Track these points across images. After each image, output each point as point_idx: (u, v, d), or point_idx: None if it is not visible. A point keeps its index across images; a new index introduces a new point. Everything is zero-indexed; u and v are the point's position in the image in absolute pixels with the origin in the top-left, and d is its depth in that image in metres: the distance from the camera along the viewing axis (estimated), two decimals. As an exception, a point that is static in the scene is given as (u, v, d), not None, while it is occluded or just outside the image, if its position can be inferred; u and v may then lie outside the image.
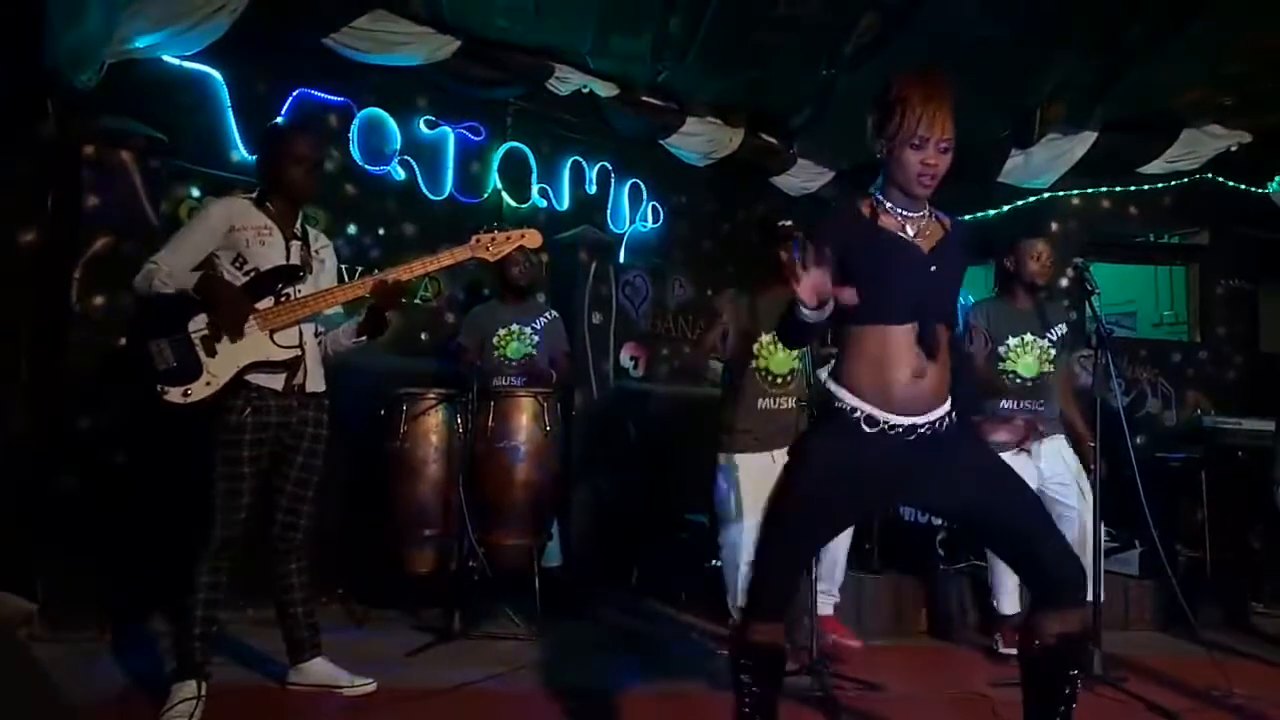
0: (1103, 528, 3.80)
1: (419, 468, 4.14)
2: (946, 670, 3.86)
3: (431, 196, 5.27)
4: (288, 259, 3.06)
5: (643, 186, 6.14)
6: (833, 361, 2.24)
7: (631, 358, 6.01)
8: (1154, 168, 6.07)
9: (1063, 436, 4.07)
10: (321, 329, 3.16)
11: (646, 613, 4.55)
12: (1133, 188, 6.25)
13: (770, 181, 6.55)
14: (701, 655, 3.88)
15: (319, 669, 3.16)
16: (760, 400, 3.73)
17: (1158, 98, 5.61)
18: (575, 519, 5.05)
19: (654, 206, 6.21)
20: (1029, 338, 4.02)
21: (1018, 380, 4.01)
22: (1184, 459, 5.48)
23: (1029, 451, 3.98)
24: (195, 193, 4.38)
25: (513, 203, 5.57)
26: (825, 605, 3.74)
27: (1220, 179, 6.19)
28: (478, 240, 3.07)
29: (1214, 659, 3.58)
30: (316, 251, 3.18)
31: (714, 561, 4.30)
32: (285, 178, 3.07)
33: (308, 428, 3.09)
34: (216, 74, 4.50)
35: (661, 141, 5.97)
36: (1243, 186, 6.26)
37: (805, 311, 2.01)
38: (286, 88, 4.77)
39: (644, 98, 5.73)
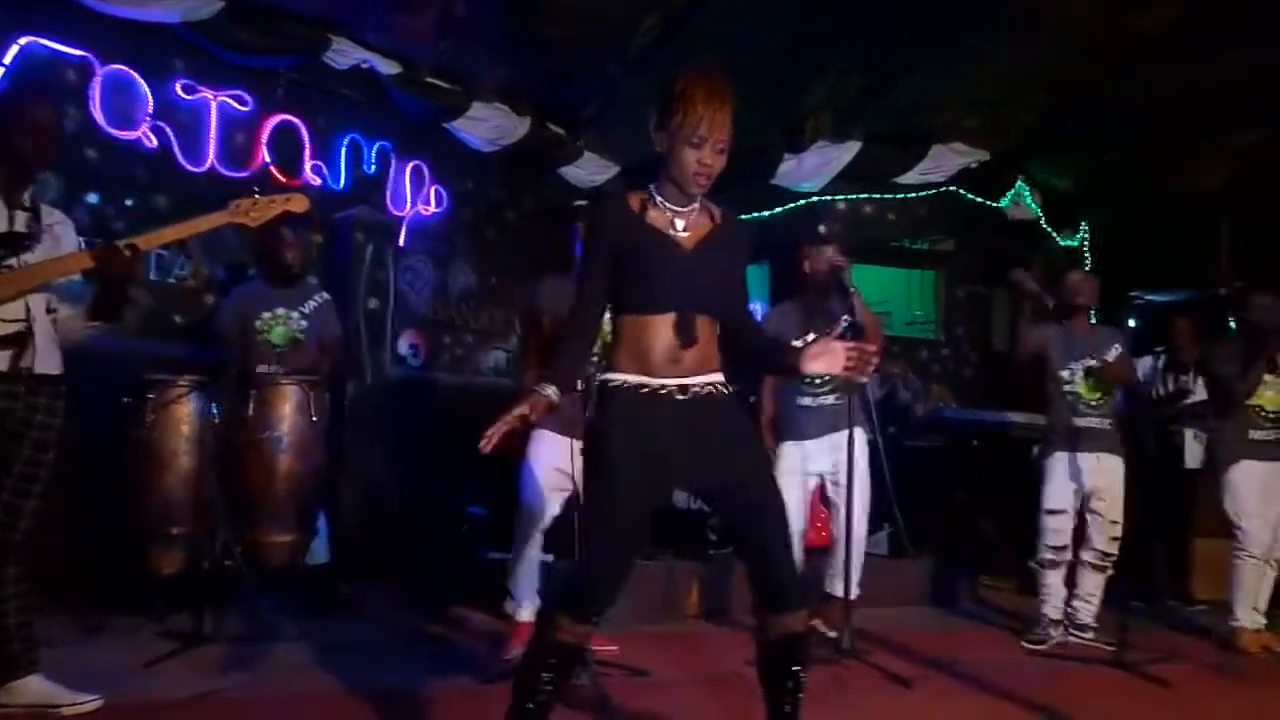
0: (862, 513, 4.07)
1: (168, 460, 3.81)
2: (712, 652, 4.00)
3: (189, 167, 4.86)
4: (11, 228, 2.73)
5: (425, 169, 5.96)
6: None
7: (411, 345, 5.84)
8: (908, 178, 6.61)
9: (862, 430, 4.12)
10: (56, 309, 2.84)
11: (420, 609, 4.43)
12: (890, 196, 6.76)
13: (557, 172, 6.56)
14: (474, 651, 3.82)
15: (33, 688, 2.83)
16: None
17: (912, 115, 6.10)
18: (345, 514, 4.83)
19: (437, 190, 6.05)
20: (811, 338, 4.18)
21: (804, 381, 4.12)
22: (928, 447, 6.01)
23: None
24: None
25: (283, 179, 5.24)
26: None
27: (963, 192, 6.82)
28: (238, 205, 2.83)
29: (944, 629, 3.96)
30: (50, 226, 2.85)
31: (493, 554, 4.25)
32: (15, 147, 2.74)
33: (36, 415, 2.77)
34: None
35: (446, 125, 5.82)
36: (981, 200, 6.92)
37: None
38: (9, 36, 4.24)
39: (428, 79, 5.56)
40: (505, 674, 3.14)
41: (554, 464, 3.59)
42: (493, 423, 2.12)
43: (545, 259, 3.93)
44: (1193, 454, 5.40)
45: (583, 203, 3.88)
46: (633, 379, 2.18)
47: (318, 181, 5.39)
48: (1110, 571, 4.24)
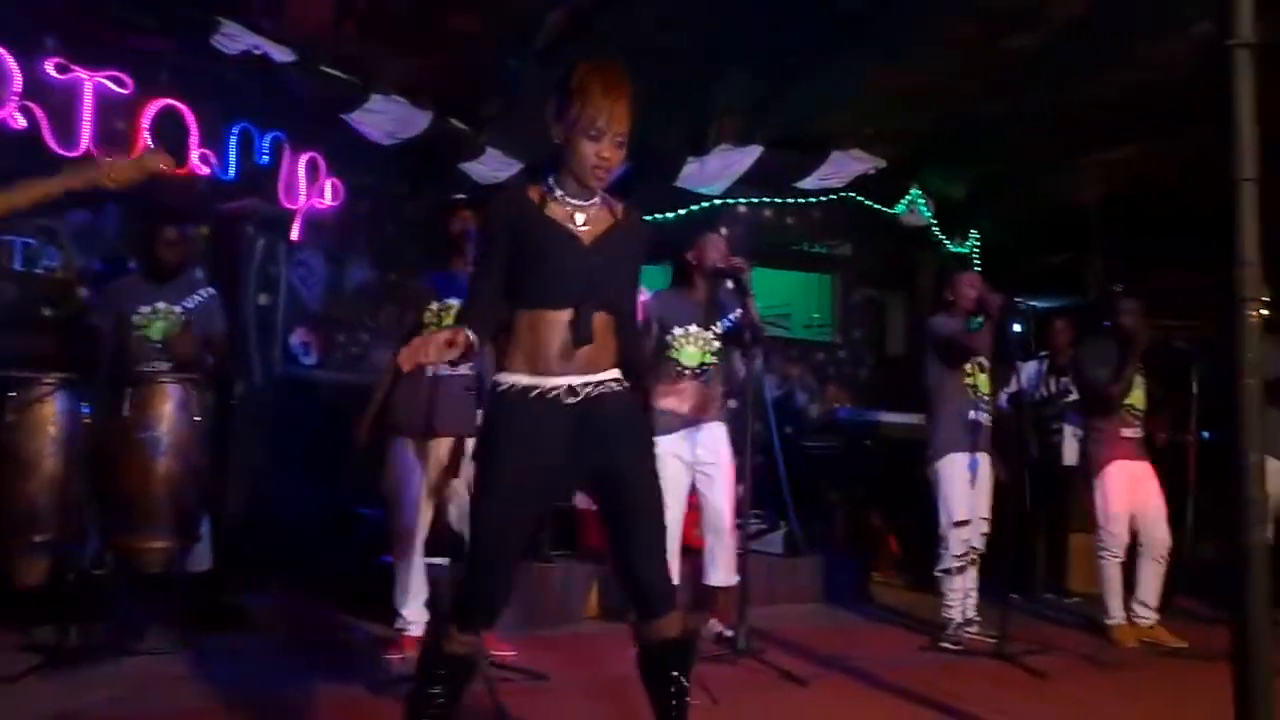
0: (750, 511, 4.12)
1: (31, 462, 3.57)
2: (612, 655, 3.95)
3: (61, 151, 4.58)
4: None
5: (321, 161, 5.77)
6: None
7: (303, 343, 5.65)
8: (807, 183, 6.72)
9: (724, 425, 4.26)
10: None
11: (310, 616, 4.28)
12: (790, 200, 6.87)
13: (459, 167, 6.43)
14: (367, 658, 3.70)
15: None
16: (433, 368, 3.64)
17: (812, 121, 6.22)
18: (230, 518, 4.62)
19: (333, 183, 5.86)
20: (694, 329, 4.19)
21: (678, 368, 4.16)
22: (823, 447, 6.13)
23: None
24: None
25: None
26: None
27: (860, 198, 6.99)
28: (97, 162, 2.64)
29: (837, 626, 4.04)
30: None
31: (386, 558, 4.13)
32: None
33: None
34: None
35: (343, 116, 5.64)
36: (877, 206, 7.10)
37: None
38: None
39: (325, 68, 5.38)
40: (397, 681, 3.07)
41: (418, 468, 3.55)
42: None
43: (446, 256, 3.84)
44: (1070, 451, 5.65)
45: (461, 196, 3.82)
46: (523, 381, 2.14)
47: (205, 170, 5.15)
48: (978, 564, 4.40)
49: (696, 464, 4.14)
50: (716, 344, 4.20)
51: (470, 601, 2.16)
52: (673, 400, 4.10)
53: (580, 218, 2.19)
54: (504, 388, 2.16)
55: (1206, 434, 5.07)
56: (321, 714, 2.97)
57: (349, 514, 4.85)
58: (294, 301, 5.48)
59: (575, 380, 2.14)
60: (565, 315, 2.14)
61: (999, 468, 4.41)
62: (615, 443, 2.19)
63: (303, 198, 5.66)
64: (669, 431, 4.05)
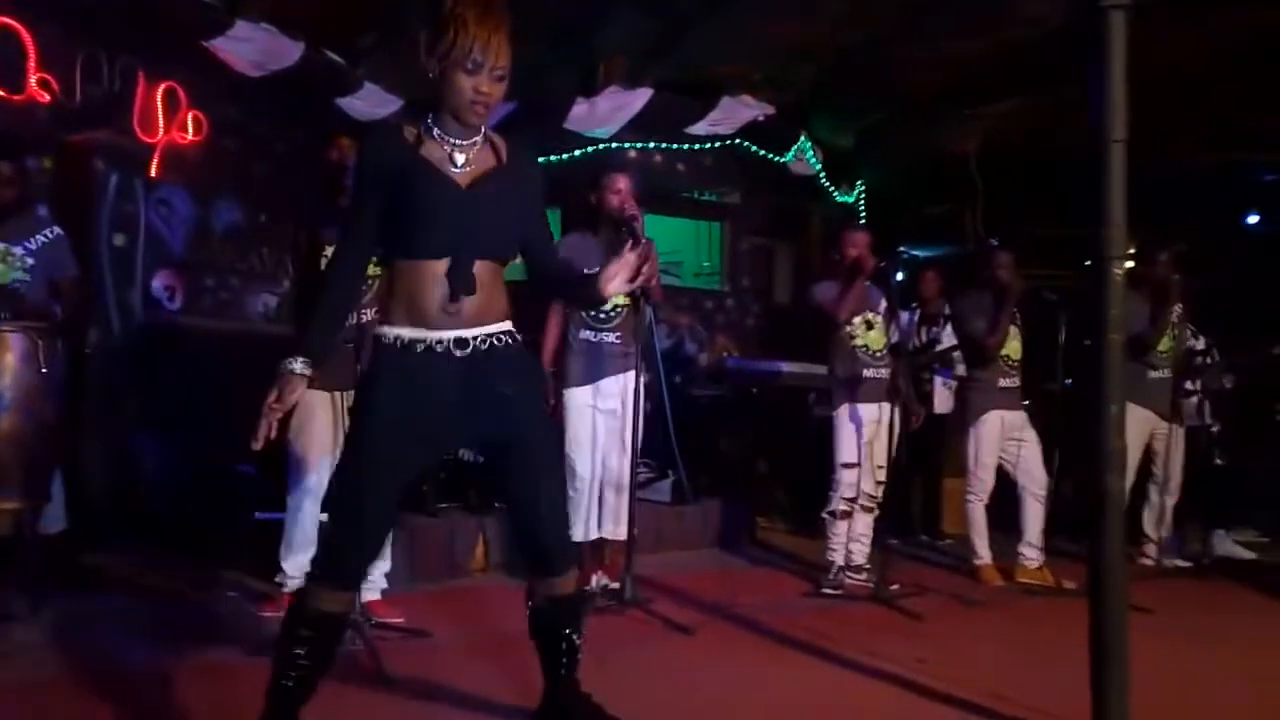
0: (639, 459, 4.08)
1: None
2: (499, 610, 3.91)
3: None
4: None
5: (181, 92, 5.36)
6: None
7: (165, 287, 5.30)
8: (698, 129, 6.67)
9: (629, 376, 4.05)
10: None
11: (181, 577, 4.06)
12: (680, 147, 6.81)
13: (336, 103, 6.10)
14: (239, 621, 3.55)
15: None
16: None
17: (703, 66, 6.14)
18: (88, 475, 4.34)
19: (195, 116, 5.46)
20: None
21: (590, 312, 4.01)
22: (711, 396, 6.18)
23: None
24: None
25: (1, 92, 4.54)
26: (374, 591, 3.53)
27: (750, 146, 6.97)
28: None
29: (723, 573, 4.11)
30: None
31: (264, 515, 3.96)
32: None
33: None
34: None
35: (205, 43, 5.24)
36: (766, 155, 7.11)
37: None
38: None
39: (183, -11, 4.98)
40: (268, 645, 2.94)
41: (318, 422, 3.40)
42: (267, 373, 1.95)
43: (322, 196, 3.63)
44: (941, 400, 5.86)
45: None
46: (406, 333, 2.03)
47: (46, 98, 4.70)
48: (877, 512, 4.52)
49: (604, 415, 4.08)
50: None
51: (337, 558, 2.07)
52: (575, 355, 4.02)
53: (460, 158, 2.06)
54: (387, 340, 2.05)
55: (1069, 381, 5.32)
56: (191, 679, 2.82)
57: (224, 470, 4.62)
58: (155, 243, 5.12)
59: (464, 333, 2.05)
60: (442, 265, 2.02)
61: (898, 418, 4.48)
62: (506, 399, 2.10)
63: (161, 131, 5.26)
64: (579, 383, 4.00)
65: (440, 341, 2.03)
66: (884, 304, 4.48)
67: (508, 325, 2.13)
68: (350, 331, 3.32)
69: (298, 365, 1.97)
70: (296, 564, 3.51)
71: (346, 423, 3.42)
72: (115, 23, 4.93)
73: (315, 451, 3.43)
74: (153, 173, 5.14)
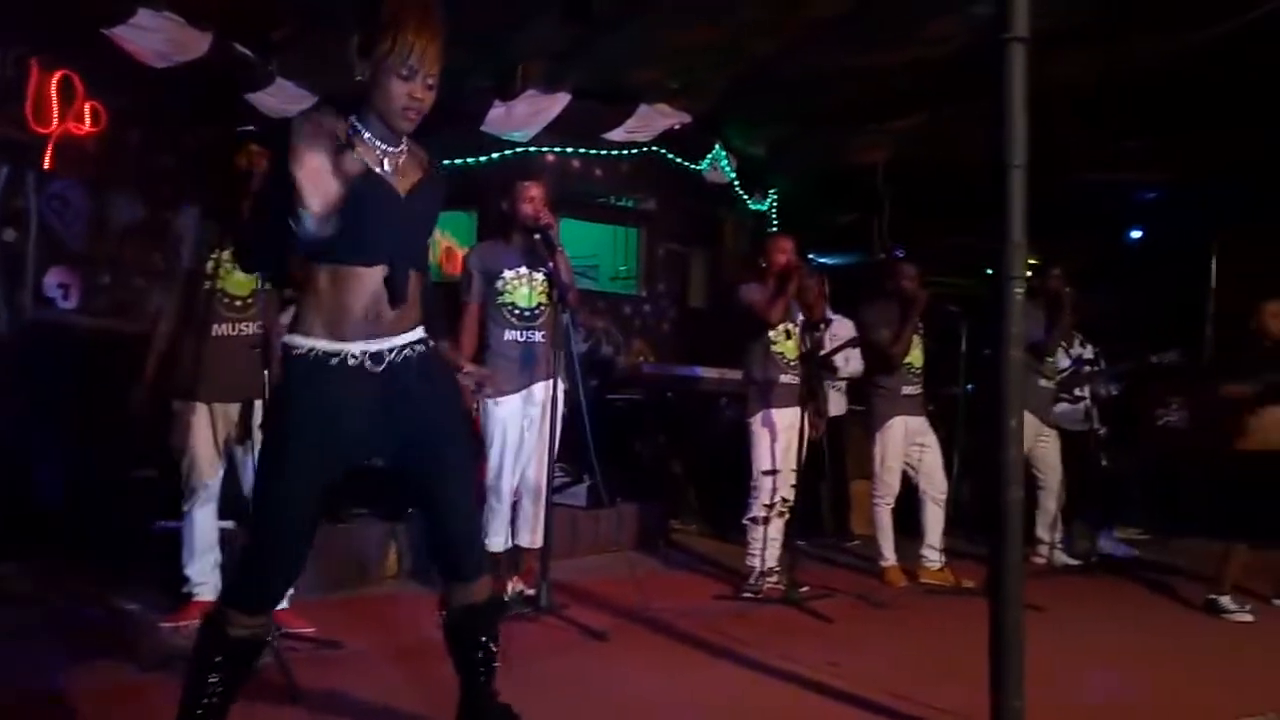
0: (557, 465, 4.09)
1: None
2: (413, 618, 3.86)
3: None
4: None
5: (78, 81, 5.13)
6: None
7: (60, 285, 5.07)
8: (616, 135, 6.70)
9: (550, 384, 3.99)
10: None
11: (74, 589, 3.90)
12: (598, 152, 6.84)
13: (246, 98, 5.92)
14: (140, 631, 3.43)
15: None
16: (216, 327, 3.38)
17: (620, 72, 6.18)
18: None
19: (94, 107, 5.24)
20: (523, 270, 4.04)
21: (516, 310, 4.03)
22: (627, 400, 6.23)
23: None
24: None
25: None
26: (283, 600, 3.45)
27: (666, 153, 7.05)
28: None
29: (637, 577, 4.15)
30: None
31: (166, 523, 3.83)
32: None
33: None
34: None
35: (105, 31, 5.03)
36: (682, 162, 7.20)
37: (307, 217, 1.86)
38: None
39: (81, -25, 4.77)
40: (172, 658, 2.86)
41: (199, 434, 3.38)
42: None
43: (228, 194, 3.52)
44: (835, 404, 6.02)
45: (249, 128, 3.55)
46: (322, 345, 1.98)
47: (-70, 86, 4.47)
48: (788, 516, 4.63)
49: (526, 424, 4.06)
50: (548, 283, 4.03)
51: (256, 581, 2.03)
52: (503, 360, 4.00)
53: (388, 165, 2.04)
54: (300, 352, 1.99)
55: (970, 387, 5.53)
56: (90, 697, 2.71)
57: (122, 476, 4.45)
58: (48, 238, 4.89)
59: (381, 345, 2.02)
60: (377, 272, 2.00)
61: (811, 423, 4.58)
62: (423, 408, 2.09)
63: (56, 121, 5.03)
64: (512, 390, 3.97)
65: (355, 355, 2.00)
66: (801, 316, 4.58)
67: (421, 333, 2.12)
68: (257, 338, 3.27)
69: None
70: (200, 569, 3.45)
71: (235, 433, 3.41)
72: (7, 7, 4.70)
73: (202, 461, 3.41)
74: (46, 165, 4.91)
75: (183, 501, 3.45)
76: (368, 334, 2.01)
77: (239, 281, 3.39)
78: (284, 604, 3.44)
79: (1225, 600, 4.50)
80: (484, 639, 2.22)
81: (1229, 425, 4.65)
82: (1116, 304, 7.15)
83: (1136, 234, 8.77)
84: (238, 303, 3.42)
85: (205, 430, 3.40)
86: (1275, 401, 4.52)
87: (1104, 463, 6.04)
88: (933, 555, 4.96)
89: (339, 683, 2.93)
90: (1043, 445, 5.37)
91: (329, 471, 2.03)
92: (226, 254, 3.35)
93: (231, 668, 2.00)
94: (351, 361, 2.00)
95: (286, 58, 5.75)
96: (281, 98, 6.00)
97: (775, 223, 8.14)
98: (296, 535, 2.01)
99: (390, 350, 2.04)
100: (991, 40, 2.57)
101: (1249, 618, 4.44)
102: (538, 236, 3.88)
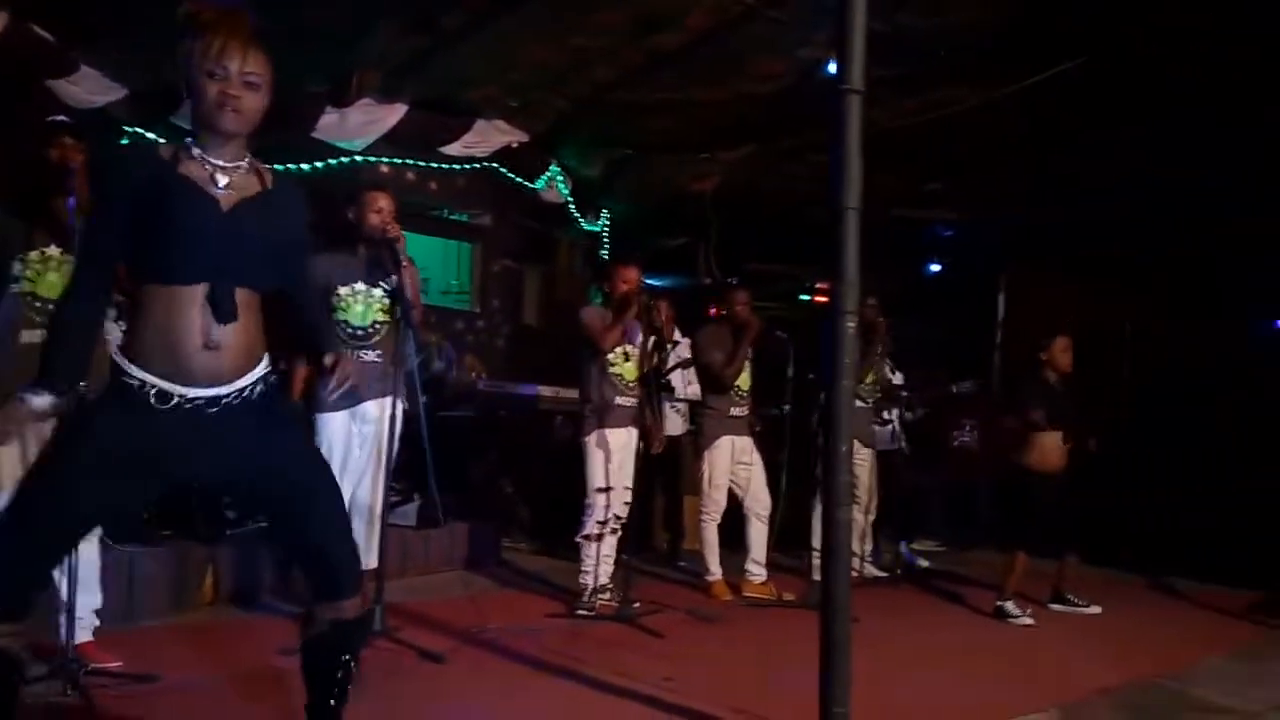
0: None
1: None
2: (234, 644, 3.67)
3: None
4: None
5: None
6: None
7: None
8: (453, 149, 6.63)
9: (387, 401, 3.89)
10: None
11: None
12: (434, 165, 6.74)
13: (48, 85, 5.44)
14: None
15: None
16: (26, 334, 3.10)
17: (459, 87, 6.14)
18: None
19: None
20: (360, 286, 3.92)
21: (349, 329, 3.89)
22: (460, 417, 6.15)
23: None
24: None
25: None
26: (85, 631, 3.15)
27: (503, 170, 7.04)
28: None
29: (471, 597, 4.12)
30: None
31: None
32: None
33: None
34: None
35: (-123, 2, 4.51)
36: (518, 180, 7.21)
37: None
38: None
39: None
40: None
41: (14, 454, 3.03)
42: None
43: (36, 188, 3.24)
44: (673, 424, 6.20)
45: (62, 118, 3.31)
46: (157, 383, 1.91)
47: None
48: (620, 534, 4.72)
49: (358, 443, 3.93)
50: (386, 300, 3.93)
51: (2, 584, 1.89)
52: (338, 376, 3.81)
53: (222, 180, 2.00)
54: (132, 381, 1.91)
55: (788, 407, 5.83)
56: None
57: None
58: None
59: (219, 390, 1.96)
60: (199, 290, 1.94)
61: (653, 439, 4.68)
62: (262, 437, 2.04)
63: None
64: (336, 408, 3.80)
65: (194, 400, 1.94)
66: (640, 338, 4.68)
67: (264, 369, 2.06)
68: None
69: (38, 400, 1.84)
70: None
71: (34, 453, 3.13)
72: None
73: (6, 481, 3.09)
74: None
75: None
76: (208, 374, 1.95)
77: (52, 284, 3.12)
78: (87, 635, 3.19)
79: (1010, 605, 4.98)
80: (347, 657, 2.18)
81: (1013, 447, 5.17)
82: (916, 333, 7.74)
83: (935, 268, 9.52)
84: (50, 307, 3.14)
85: (12, 450, 3.01)
86: (1053, 427, 5.06)
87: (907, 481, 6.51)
88: (756, 570, 5.18)
89: (158, 717, 2.75)
90: (859, 464, 5.73)
91: (124, 489, 1.97)
92: (35, 254, 3.10)
93: None
94: (186, 405, 1.94)
95: (97, 45, 5.34)
96: (88, 87, 5.55)
97: (607, 243, 8.28)
98: (58, 540, 1.95)
99: (228, 396, 1.98)
100: (831, 91, 2.77)
101: (1030, 621, 4.93)
102: (386, 251, 3.80)
